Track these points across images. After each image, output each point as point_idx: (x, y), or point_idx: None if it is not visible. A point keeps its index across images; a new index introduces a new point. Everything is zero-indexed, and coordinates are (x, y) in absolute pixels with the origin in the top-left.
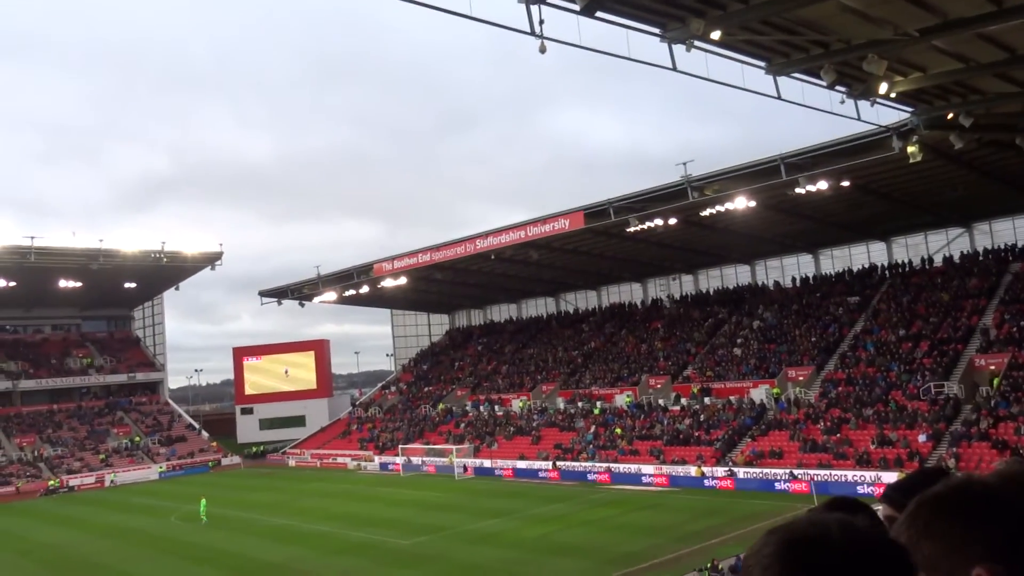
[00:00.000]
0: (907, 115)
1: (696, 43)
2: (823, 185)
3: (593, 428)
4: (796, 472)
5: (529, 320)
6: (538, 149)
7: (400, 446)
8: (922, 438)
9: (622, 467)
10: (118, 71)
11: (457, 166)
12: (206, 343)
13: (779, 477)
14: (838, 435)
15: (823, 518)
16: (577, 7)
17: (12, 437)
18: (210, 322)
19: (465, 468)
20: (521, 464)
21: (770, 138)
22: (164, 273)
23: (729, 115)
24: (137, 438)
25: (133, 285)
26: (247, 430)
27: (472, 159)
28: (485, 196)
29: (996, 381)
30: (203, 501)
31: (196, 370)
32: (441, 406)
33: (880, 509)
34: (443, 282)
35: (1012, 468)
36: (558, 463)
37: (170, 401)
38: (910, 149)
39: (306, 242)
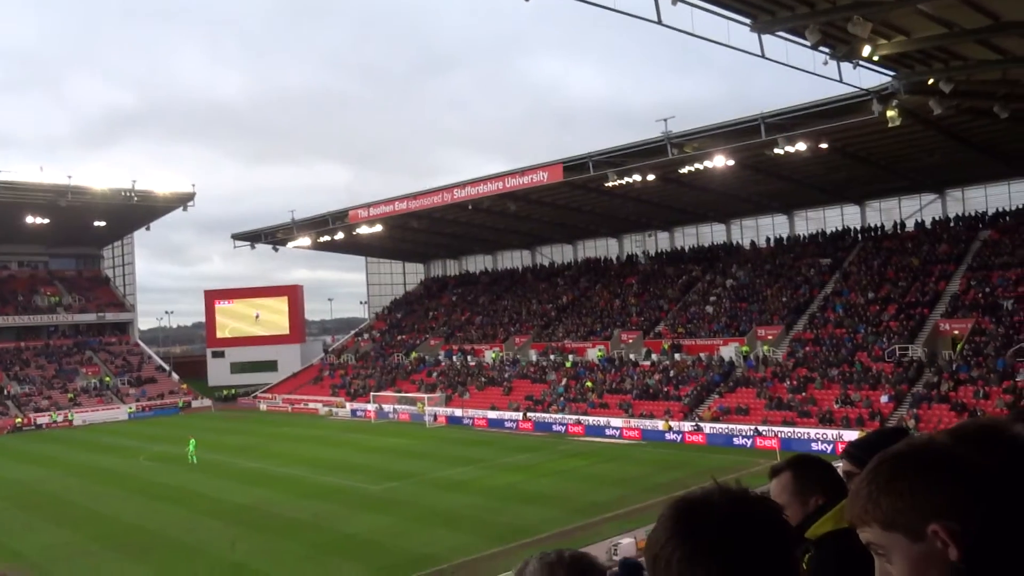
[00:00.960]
0: (888, 79)
1: None
2: (802, 146)
3: (564, 381)
4: (761, 428)
5: (504, 272)
6: (517, 97)
7: (372, 393)
8: (884, 399)
9: (592, 419)
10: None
11: (433, 111)
12: (177, 284)
13: (744, 433)
14: (803, 394)
15: (711, 488)
16: None
17: None
18: (181, 263)
19: (436, 417)
20: (492, 414)
21: (752, 94)
22: (135, 212)
23: (712, 68)
24: (107, 378)
25: (102, 224)
26: (218, 373)
27: (449, 105)
28: (461, 143)
29: (959, 345)
30: (192, 442)
31: (167, 312)
32: (414, 355)
33: (840, 465)
34: (419, 231)
35: (970, 429)
36: (529, 414)
37: (140, 342)
38: (889, 113)
39: (278, 184)
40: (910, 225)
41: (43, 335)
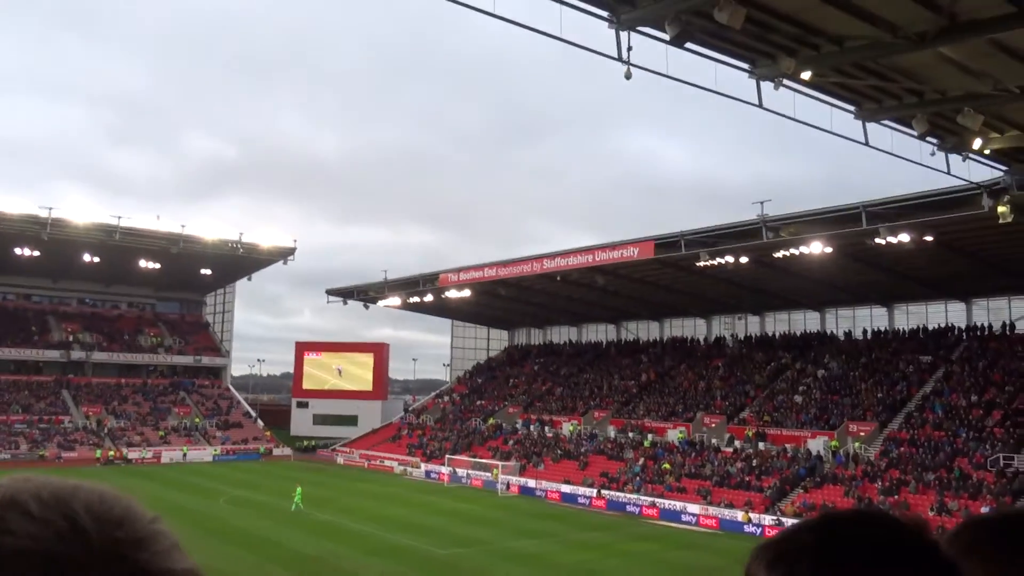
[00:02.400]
0: (1000, 173)
1: (785, 81)
2: (905, 237)
3: (642, 460)
4: None
5: (588, 345)
6: (607, 168)
7: (447, 456)
8: (984, 510)
9: (667, 503)
10: (191, 52)
11: (522, 178)
12: (267, 334)
13: None
14: (895, 497)
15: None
16: (667, 37)
17: (80, 405)
18: (272, 314)
19: (508, 486)
20: (566, 488)
21: (853, 178)
22: (239, 263)
23: (811, 151)
24: (197, 419)
25: (208, 272)
26: (301, 423)
27: (538, 172)
28: (548, 212)
29: None
30: (299, 490)
31: (258, 360)
32: (492, 421)
33: None
34: (506, 298)
35: None
36: (603, 491)
37: (231, 387)
38: (1000, 209)
39: (366, 242)
40: (1020, 327)
41: (142, 373)
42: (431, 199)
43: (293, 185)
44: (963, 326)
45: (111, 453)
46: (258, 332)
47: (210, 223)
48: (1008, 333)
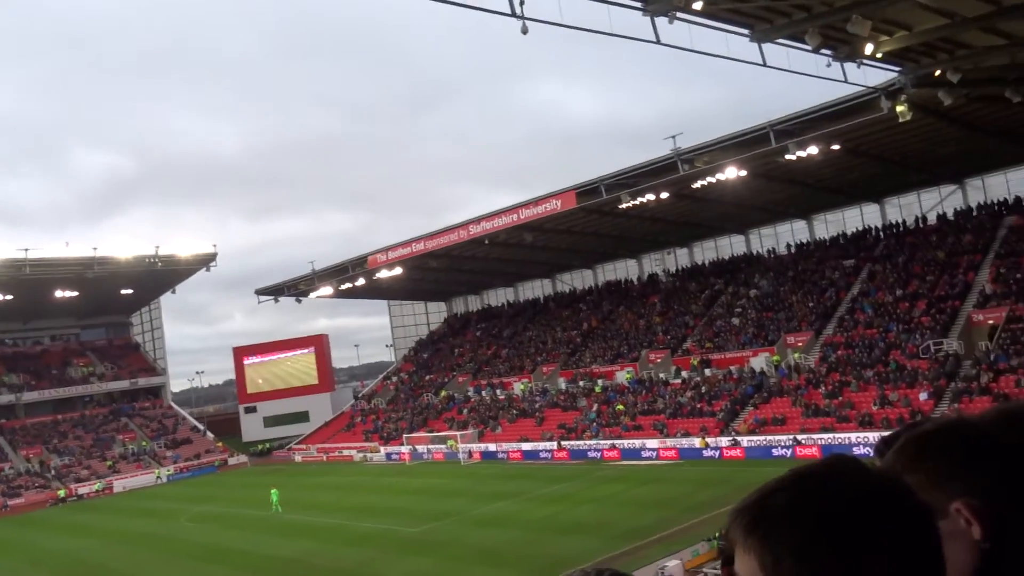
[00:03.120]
0: (894, 75)
1: (678, 14)
2: (813, 150)
3: (596, 406)
4: (800, 437)
5: (526, 303)
6: (516, 124)
7: (405, 436)
8: (923, 396)
9: (626, 443)
10: (64, 62)
11: (434, 145)
12: (202, 345)
13: (783, 443)
14: (840, 398)
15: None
16: None
17: (18, 449)
18: (203, 323)
19: (470, 454)
20: (526, 446)
21: (758, 100)
22: (159, 277)
23: (714, 78)
24: (143, 443)
25: (129, 291)
26: (252, 429)
27: (447, 137)
28: (465, 176)
29: (995, 335)
30: (275, 492)
31: (197, 372)
32: (443, 393)
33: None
34: (438, 270)
35: (1003, 409)
36: (563, 443)
37: (173, 404)
38: (899, 108)
39: (288, 235)
40: (932, 218)
41: (78, 406)
42: (344, 181)
43: (199, 188)
44: (879, 226)
45: (60, 492)
46: (191, 344)
47: (123, 241)
48: (921, 226)
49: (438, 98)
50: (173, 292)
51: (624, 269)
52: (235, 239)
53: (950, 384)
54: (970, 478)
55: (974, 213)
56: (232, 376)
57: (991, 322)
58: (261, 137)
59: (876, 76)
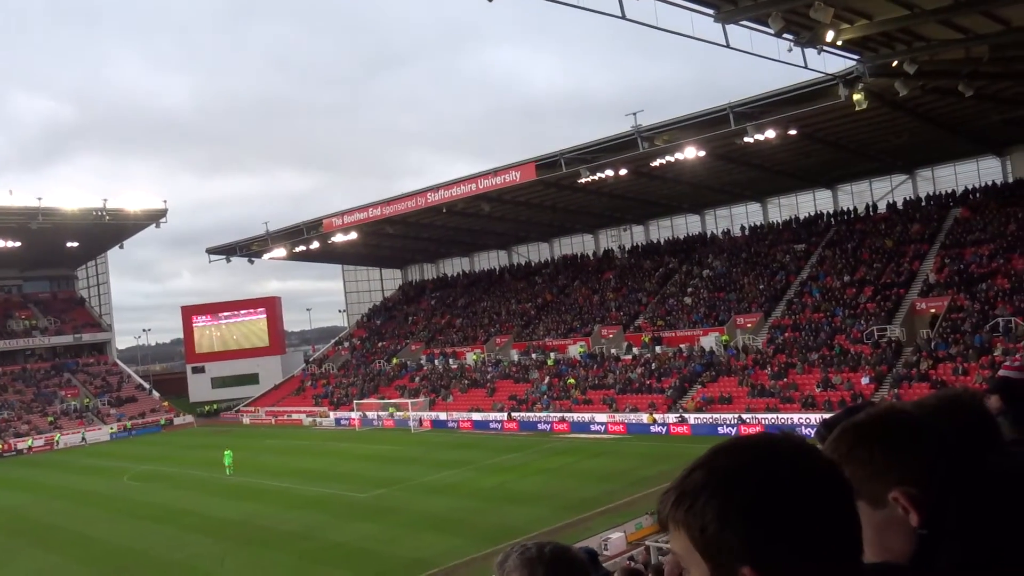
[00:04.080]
0: (853, 63)
1: None
2: (771, 134)
3: (547, 379)
4: (744, 416)
5: (482, 273)
6: (476, 92)
7: (355, 402)
8: (865, 380)
9: (576, 416)
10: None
11: (390, 109)
12: (149, 302)
13: (728, 422)
14: (785, 379)
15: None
16: None
17: None
18: (150, 280)
19: (421, 422)
20: (477, 416)
21: (720, 79)
22: (107, 231)
23: (677, 55)
24: (86, 399)
25: (75, 244)
26: (199, 389)
27: (406, 102)
28: (423, 143)
29: (937, 323)
30: (228, 452)
31: (144, 330)
32: (395, 360)
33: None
34: (395, 236)
35: (935, 398)
36: (513, 414)
37: (119, 362)
38: (856, 97)
39: (238, 194)
40: (882, 207)
41: (20, 359)
42: (300, 142)
43: (148, 141)
44: (831, 212)
45: None
46: (138, 301)
47: (70, 193)
48: (871, 214)
49: (395, 62)
50: (121, 247)
51: (580, 244)
52: (184, 195)
53: (891, 370)
54: (906, 467)
55: (923, 203)
56: (180, 335)
57: (933, 311)
58: (211, 94)
59: (835, 64)
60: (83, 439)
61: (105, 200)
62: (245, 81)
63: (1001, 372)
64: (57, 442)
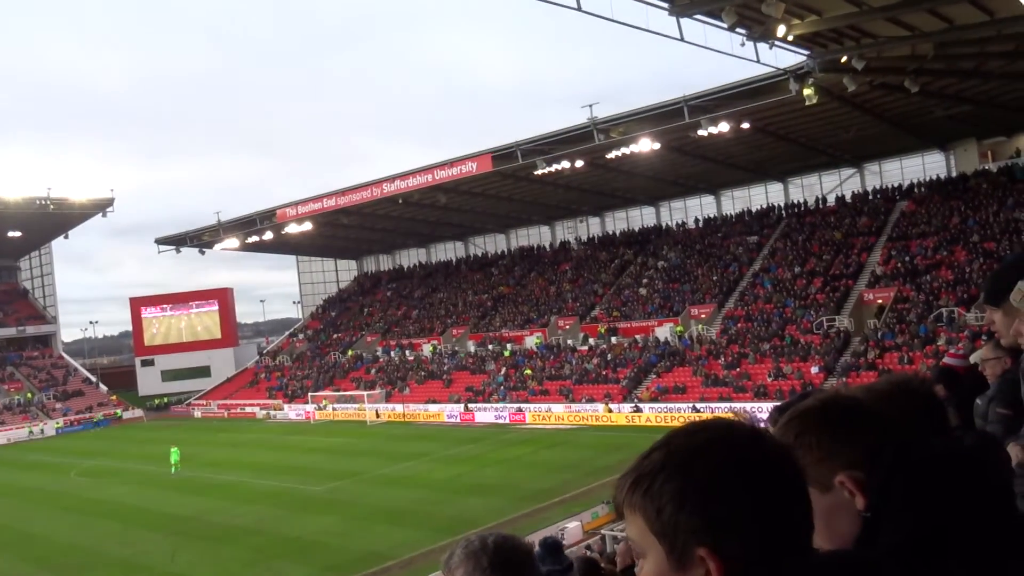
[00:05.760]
0: (803, 58)
1: None
2: (725, 127)
3: (504, 370)
4: (698, 406)
5: (438, 264)
6: (428, 78)
7: (310, 394)
8: (815, 370)
9: (533, 407)
10: None
11: (339, 94)
12: (95, 294)
13: (682, 411)
14: (738, 369)
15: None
16: None
17: None
18: (93, 271)
19: (377, 414)
20: (433, 408)
21: (676, 73)
22: (51, 221)
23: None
24: (30, 394)
25: (17, 234)
26: (149, 382)
27: (355, 86)
28: (373, 129)
29: (883, 314)
30: (175, 451)
31: (91, 322)
32: (351, 352)
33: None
34: (350, 227)
35: (885, 383)
36: (470, 405)
37: (64, 355)
38: (806, 91)
39: (183, 182)
40: (831, 200)
41: None
42: (245, 126)
43: (84, 124)
44: (782, 204)
45: None
46: (82, 293)
47: (10, 180)
48: (821, 207)
49: (339, 45)
50: (66, 237)
51: (537, 235)
52: (125, 182)
53: (840, 359)
54: (851, 451)
55: (870, 197)
56: (128, 328)
57: (880, 301)
58: (150, 74)
59: (786, 59)
60: (31, 433)
61: (49, 189)
62: (182, 59)
63: (944, 361)
64: (31, 432)
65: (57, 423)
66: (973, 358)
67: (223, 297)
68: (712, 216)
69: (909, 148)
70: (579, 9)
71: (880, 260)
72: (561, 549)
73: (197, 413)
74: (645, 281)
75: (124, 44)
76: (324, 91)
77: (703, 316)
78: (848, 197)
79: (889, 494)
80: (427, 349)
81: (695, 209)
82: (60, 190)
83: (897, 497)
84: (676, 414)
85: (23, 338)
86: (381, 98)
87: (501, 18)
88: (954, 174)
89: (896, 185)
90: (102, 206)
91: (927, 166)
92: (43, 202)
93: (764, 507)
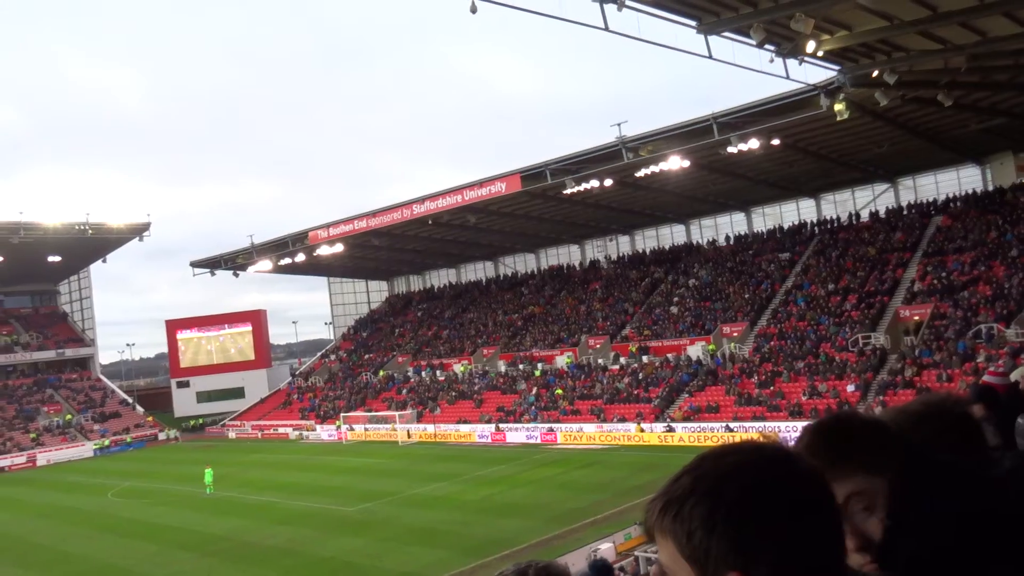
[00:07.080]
0: (834, 73)
1: (627, 2)
2: (754, 144)
3: (535, 390)
4: (732, 425)
5: (468, 284)
6: (449, 92)
7: (342, 414)
8: (850, 388)
9: (564, 427)
10: None
11: (360, 111)
12: (131, 316)
13: (715, 431)
14: (771, 388)
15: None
16: None
17: None
18: (129, 293)
19: (409, 434)
20: (464, 428)
21: (704, 91)
22: (89, 245)
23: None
24: (69, 416)
25: (57, 259)
26: (184, 404)
27: (375, 102)
28: (398, 146)
29: (920, 331)
30: (209, 471)
31: (128, 344)
32: (382, 373)
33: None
34: (381, 248)
35: (919, 404)
36: (501, 425)
37: (102, 377)
38: (837, 107)
39: (209, 204)
40: (865, 215)
41: (1, 376)
42: (268, 146)
43: (99, 147)
44: (815, 221)
45: None
46: (117, 316)
47: (52, 207)
48: (854, 223)
49: (361, 62)
50: (104, 261)
51: (567, 254)
52: (157, 205)
53: (876, 377)
54: (861, 461)
55: (905, 212)
56: (164, 349)
57: (917, 318)
58: (169, 95)
59: (816, 74)
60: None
61: (88, 214)
62: (202, 80)
63: (984, 379)
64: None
65: (95, 444)
66: (1014, 376)
67: (256, 319)
68: (743, 233)
69: (944, 162)
70: (607, 29)
71: (916, 276)
72: (612, 571)
73: (231, 434)
74: (676, 299)
75: (148, 65)
76: (346, 109)
77: (735, 334)
78: (882, 212)
79: (906, 509)
80: (458, 369)
81: (726, 226)
82: (97, 215)
83: (913, 512)
84: (709, 433)
85: (62, 360)
86: (403, 115)
87: (524, 34)
88: (991, 188)
89: (931, 200)
90: (139, 230)
91: (963, 180)
92: (82, 227)
93: (794, 530)
